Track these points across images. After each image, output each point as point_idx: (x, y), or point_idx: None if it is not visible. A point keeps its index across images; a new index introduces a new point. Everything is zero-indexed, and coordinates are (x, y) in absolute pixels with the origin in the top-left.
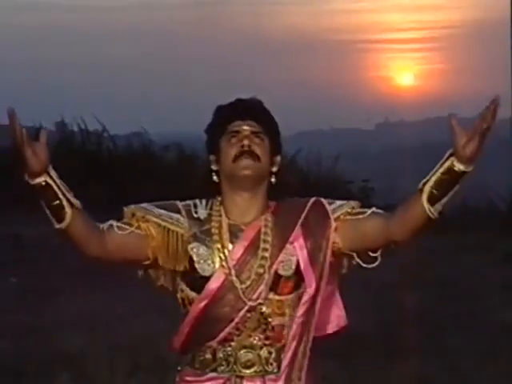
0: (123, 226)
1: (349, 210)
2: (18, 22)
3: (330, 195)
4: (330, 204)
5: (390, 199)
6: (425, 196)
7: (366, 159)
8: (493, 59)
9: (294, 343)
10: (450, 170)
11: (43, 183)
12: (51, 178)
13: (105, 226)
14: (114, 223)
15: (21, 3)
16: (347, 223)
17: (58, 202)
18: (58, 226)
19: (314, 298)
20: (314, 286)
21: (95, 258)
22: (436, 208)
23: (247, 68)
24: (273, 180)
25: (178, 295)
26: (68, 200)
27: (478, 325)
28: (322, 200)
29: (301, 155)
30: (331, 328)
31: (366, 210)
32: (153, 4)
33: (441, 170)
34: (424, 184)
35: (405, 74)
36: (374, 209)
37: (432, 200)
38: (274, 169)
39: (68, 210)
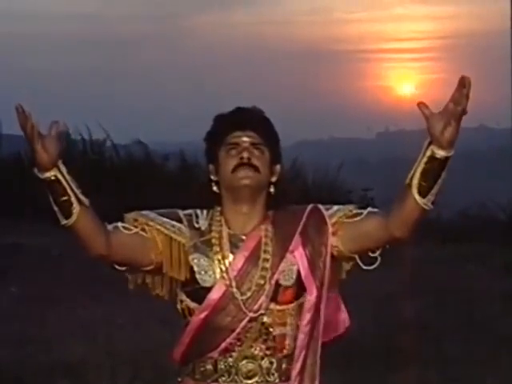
0: (129, 226)
1: (347, 213)
2: (16, 31)
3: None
4: (327, 210)
5: (389, 209)
6: (415, 190)
7: (367, 168)
8: (493, 69)
9: (303, 353)
10: (433, 158)
11: (52, 177)
12: (61, 173)
13: (110, 226)
14: (120, 223)
15: (21, 13)
16: (346, 225)
17: (66, 197)
18: (65, 221)
19: (317, 305)
20: (315, 293)
21: (99, 256)
22: (429, 199)
23: (247, 77)
24: (272, 190)
25: (178, 306)
26: (77, 196)
27: (478, 334)
28: (320, 206)
29: (301, 165)
30: (338, 331)
31: (362, 210)
32: (157, 14)
33: (424, 160)
34: (411, 179)
35: (405, 84)
36: (369, 208)
37: (422, 192)
38: (274, 179)
39: (76, 206)
